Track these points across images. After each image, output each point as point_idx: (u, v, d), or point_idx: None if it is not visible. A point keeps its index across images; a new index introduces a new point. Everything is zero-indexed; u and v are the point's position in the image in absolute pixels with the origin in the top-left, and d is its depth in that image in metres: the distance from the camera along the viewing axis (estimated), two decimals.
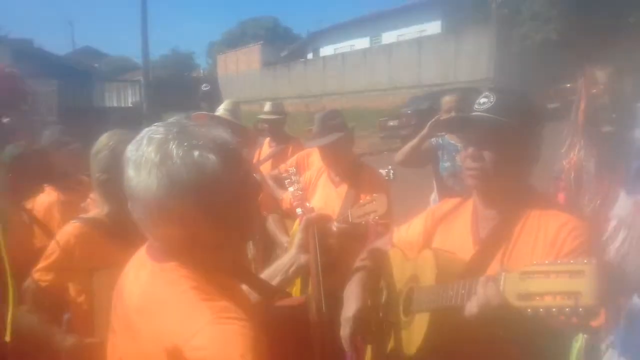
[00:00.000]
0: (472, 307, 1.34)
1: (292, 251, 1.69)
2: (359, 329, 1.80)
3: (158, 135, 1.16)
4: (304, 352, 1.38)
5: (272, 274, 1.65)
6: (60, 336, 2.07)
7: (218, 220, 1.18)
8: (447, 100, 4.20)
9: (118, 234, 2.01)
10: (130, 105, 24.27)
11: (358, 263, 2.04)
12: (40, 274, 2.17)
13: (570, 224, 1.62)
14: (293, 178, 3.23)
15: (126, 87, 25.77)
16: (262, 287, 1.47)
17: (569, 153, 3.04)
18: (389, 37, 30.35)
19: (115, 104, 24.59)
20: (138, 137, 1.19)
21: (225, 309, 1.12)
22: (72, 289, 2.16)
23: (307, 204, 3.11)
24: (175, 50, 52.68)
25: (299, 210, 3.09)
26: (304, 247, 1.67)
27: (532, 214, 1.68)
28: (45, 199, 3.11)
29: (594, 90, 2.86)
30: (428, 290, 1.58)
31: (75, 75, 26.01)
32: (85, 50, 51.55)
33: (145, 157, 1.14)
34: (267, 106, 5.30)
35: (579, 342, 1.27)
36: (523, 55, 21.79)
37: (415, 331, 1.59)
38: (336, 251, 1.96)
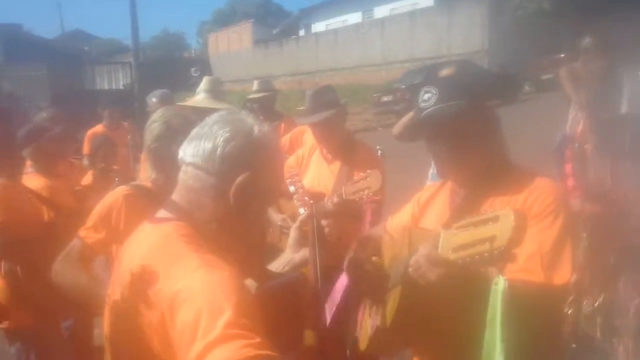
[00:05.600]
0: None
1: (287, 252, 1.78)
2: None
3: (229, 117, 1.29)
4: (294, 327, 1.41)
5: None
6: (103, 290, 2.14)
7: (246, 206, 1.26)
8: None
9: (162, 200, 2.06)
10: (121, 87, 24.09)
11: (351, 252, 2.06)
12: (86, 232, 2.25)
13: (538, 188, 1.62)
14: (295, 178, 3.16)
15: (117, 69, 25.52)
16: (256, 270, 1.50)
17: (573, 126, 3.11)
18: (381, 11, 30.03)
19: (106, 87, 24.38)
20: (204, 121, 1.30)
21: (214, 260, 1.16)
22: (115, 250, 2.23)
23: (307, 199, 3.07)
24: (166, 31, 52.28)
25: (301, 210, 3.04)
26: (296, 247, 1.76)
27: (504, 188, 1.66)
28: (31, 185, 3.08)
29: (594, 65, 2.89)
30: (399, 264, 1.60)
31: (65, 59, 25.75)
32: (75, 34, 50.97)
33: (214, 132, 1.24)
34: (255, 85, 5.25)
35: (499, 284, 1.25)
36: (516, 26, 21.61)
37: (390, 305, 1.61)
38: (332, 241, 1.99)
